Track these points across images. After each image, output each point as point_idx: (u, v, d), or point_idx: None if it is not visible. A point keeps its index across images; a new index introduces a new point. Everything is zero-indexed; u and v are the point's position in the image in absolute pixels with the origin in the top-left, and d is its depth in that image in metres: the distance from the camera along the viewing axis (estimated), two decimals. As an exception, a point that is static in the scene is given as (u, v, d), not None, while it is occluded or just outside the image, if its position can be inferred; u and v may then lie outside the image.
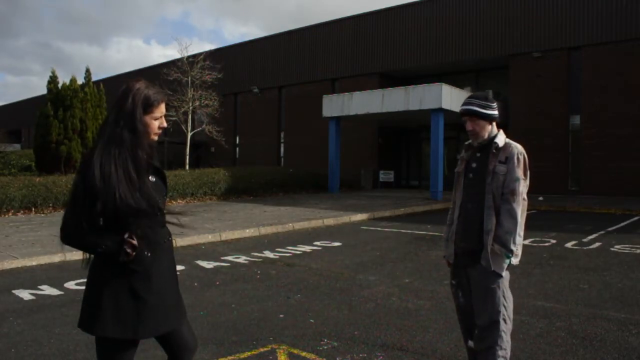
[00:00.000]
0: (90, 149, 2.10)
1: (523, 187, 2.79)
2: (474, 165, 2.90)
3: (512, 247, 2.73)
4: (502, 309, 2.77)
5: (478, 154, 2.90)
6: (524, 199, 2.85)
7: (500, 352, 2.74)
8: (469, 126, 2.88)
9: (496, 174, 2.78)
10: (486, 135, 2.86)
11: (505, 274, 2.80)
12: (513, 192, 2.76)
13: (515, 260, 2.79)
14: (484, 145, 2.88)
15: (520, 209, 2.79)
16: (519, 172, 2.78)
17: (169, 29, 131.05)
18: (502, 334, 2.76)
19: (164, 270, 2.17)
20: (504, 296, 2.78)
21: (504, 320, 2.77)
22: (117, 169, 2.00)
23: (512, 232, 2.75)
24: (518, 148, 2.85)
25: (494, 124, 2.89)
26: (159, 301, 2.11)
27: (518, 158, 2.80)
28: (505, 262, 2.75)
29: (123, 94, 2.12)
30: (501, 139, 2.85)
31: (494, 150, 2.82)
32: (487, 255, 2.75)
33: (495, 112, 2.86)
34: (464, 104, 2.89)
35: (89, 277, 2.12)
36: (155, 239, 2.12)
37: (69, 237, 2.02)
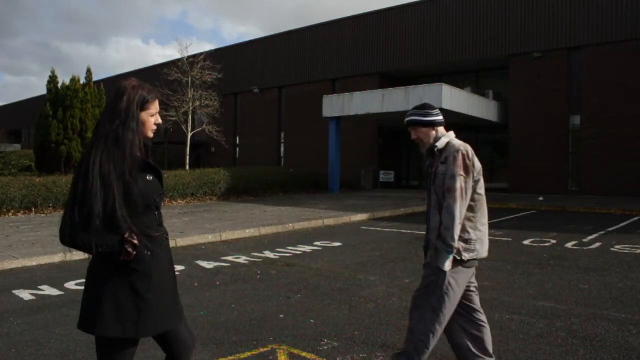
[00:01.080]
0: (87, 149, 2.10)
1: (462, 182, 2.88)
2: (429, 170, 3.12)
3: (450, 242, 2.82)
4: (435, 301, 2.89)
5: (431, 159, 3.10)
6: (478, 193, 2.97)
7: (420, 337, 2.90)
8: (413, 135, 3.10)
9: (437, 174, 2.97)
10: (431, 140, 3.06)
11: (456, 270, 2.89)
12: (449, 189, 2.89)
13: (467, 255, 2.89)
14: (432, 150, 3.06)
15: (460, 204, 2.86)
16: (455, 169, 2.90)
17: (167, 28, 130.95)
18: (428, 322, 2.90)
19: (163, 269, 2.17)
20: (442, 291, 2.88)
21: (436, 313, 2.89)
22: (115, 168, 2.01)
23: (450, 227, 2.84)
24: (455, 146, 2.97)
25: (439, 128, 3.06)
26: (158, 299, 2.12)
27: (454, 156, 2.93)
28: (446, 257, 2.85)
29: (118, 93, 2.15)
30: (443, 141, 3.03)
31: (437, 153, 3.03)
32: (432, 251, 2.92)
33: (436, 118, 3.04)
34: (406, 116, 3.12)
35: (88, 277, 2.12)
36: (154, 238, 2.12)
37: (68, 237, 2.01)
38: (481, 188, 3.00)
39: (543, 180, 18.64)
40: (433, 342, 2.93)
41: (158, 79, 22.90)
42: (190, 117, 22.27)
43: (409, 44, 22.49)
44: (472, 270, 3.02)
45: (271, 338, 4.03)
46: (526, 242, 8.76)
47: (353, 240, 9.17)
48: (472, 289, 3.09)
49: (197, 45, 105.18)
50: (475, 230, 2.94)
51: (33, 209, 12.57)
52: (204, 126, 22.79)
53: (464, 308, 3.06)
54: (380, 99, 18.16)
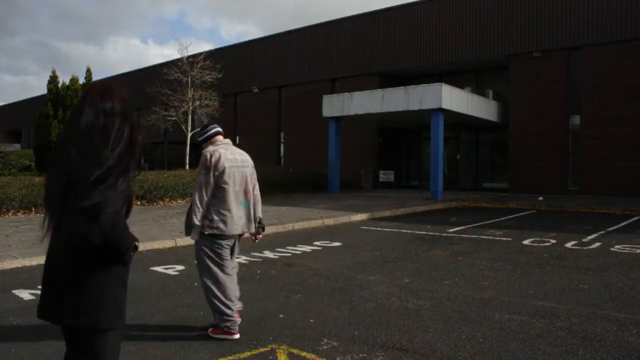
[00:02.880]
0: (97, 142, 2.05)
1: (201, 178, 4.00)
2: None
3: (191, 220, 3.97)
4: (201, 265, 4.08)
5: None
6: (221, 187, 4.00)
7: (208, 284, 4.05)
8: (202, 146, 4.23)
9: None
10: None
11: (206, 241, 4.02)
12: (195, 182, 4.06)
13: (210, 230, 3.98)
14: None
15: (199, 193, 3.97)
16: (199, 169, 4.06)
17: (166, 28, 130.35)
18: (207, 281, 4.06)
19: None
20: (202, 254, 4.05)
21: (207, 273, 4.05)
22: (131, 164, 2.12)
23: (191, 210, 3.98)
24: (204, 152, 4.07)
25: (215, 138, 4.21)
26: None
27: (200, 159, 4.07)
28: (191, 231, 4.01)
29: (111, 92, 2.16)
30: (205, 150, 4.11)
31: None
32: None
33: (207, 134, 4.21)
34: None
35: (83, 272, 2.09)
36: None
37: (124, 232, 2.01)
38: (225, 183, 4.00)
39: (543, 180, 18.64)
40: (216, 296, 3.99)
41: (158, 78, 22.90)
42: (190, 117, 22.27)
43: (409, 44, 22.49)
44: (226, 242, 4.11)
45: (271, 338, 4.03)
46: (526, 242, 8.76)
47: (353, 240, 9.17)
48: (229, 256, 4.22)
49: (196, 45, 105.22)
50: (217, 214, 3.98)
51: (33, 209, 12.56)
52: (204, 126, 22.78)
53: None
54: (380, 99, 18.16)
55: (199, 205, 3.95)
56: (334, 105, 19.66)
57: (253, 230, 4.30)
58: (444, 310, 4.77)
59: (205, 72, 22.02)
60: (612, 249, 8.00)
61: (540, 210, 14.27)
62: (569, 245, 8.39)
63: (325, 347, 3.83)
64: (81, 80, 19.30)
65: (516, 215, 12.99)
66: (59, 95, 18.49)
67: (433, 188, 16.99)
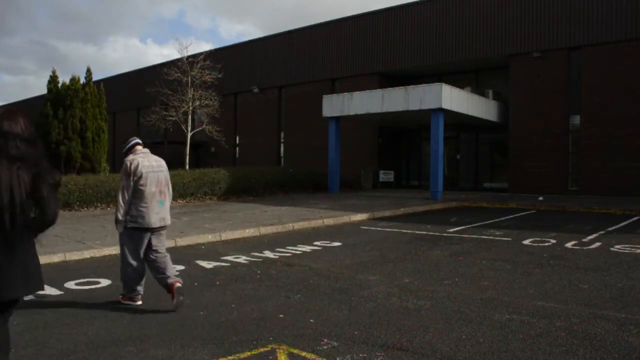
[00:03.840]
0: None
1: (123, 182, 4.83)
2: None
3: (116, 216, 4.86)
4: (121, 252, 5.01)
5: None
6: (139, 188, 4.81)
7: (123, 276, 4.98)
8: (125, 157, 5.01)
9: None
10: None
11: (128, 232, 4.89)
12: (119, 186, 4.92)
13: (131, 224, 4.83)
14: None
15: (121, 194, 4.82)
16: (121, 174, 4.88)
17: (165, 28, 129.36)
18: (123, 265, 4.96)
19: None
20: (122, 242, 4.98)
21: (123, 257, 4.95)
22: None
23: (117, 208, 4.86)
24: (125, 161, 4.86)
25: (135, 148, 4.99)
26: None
27: (122, 167, 4.87)
28: (117, 225, 4.90)
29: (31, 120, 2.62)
30: (126, 158, 4.89)
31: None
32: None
33: (127, 146, 5.01)
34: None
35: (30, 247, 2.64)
36: None
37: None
38: (143, 185, 4.78)
39: (543, 180, 18.63)
40: (127, 275, 4.90)
41: (158, 78, 22.91)
42: (190, 117, 22.26)
43: (409, 44, 22.48)
44: (147, 233, 4.87)
45: (271, 338, 4.03)
46: (526, 242, 8.75)
47: (353, 240, 9.17)
48: (155, 244, 4.95)
49: (195, 45, 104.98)
50: (137, 210, 4.79)
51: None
52: (204, 126, 22.78)
53: (145, 253, 4.96)
54: (380, 99, 18.15)
55: (121, 204, 4.82)
56: (334, 105, 19.66)
57: (169, 222, 5.11)
58: (444, 310, 4.77)
59: (205, 72, 22.01)
60: (612, 249, 8.00)
61: (540, 210, 14.26)
62: (569, 245, 8.38)
63: (325, 347, 3.83)
64: (82, 80, 19.28)
65: (516, 215, 12.99)
66: (59, 95, 18.47)
67: (433, 188, 16.99)
